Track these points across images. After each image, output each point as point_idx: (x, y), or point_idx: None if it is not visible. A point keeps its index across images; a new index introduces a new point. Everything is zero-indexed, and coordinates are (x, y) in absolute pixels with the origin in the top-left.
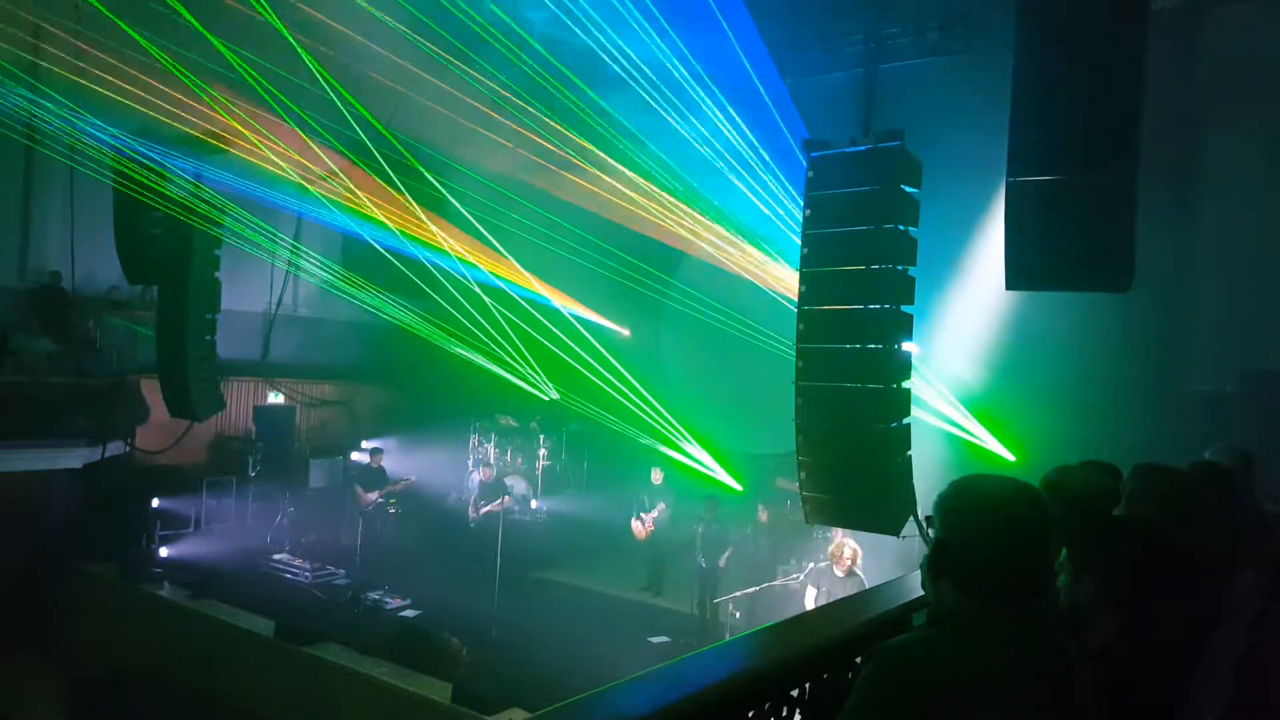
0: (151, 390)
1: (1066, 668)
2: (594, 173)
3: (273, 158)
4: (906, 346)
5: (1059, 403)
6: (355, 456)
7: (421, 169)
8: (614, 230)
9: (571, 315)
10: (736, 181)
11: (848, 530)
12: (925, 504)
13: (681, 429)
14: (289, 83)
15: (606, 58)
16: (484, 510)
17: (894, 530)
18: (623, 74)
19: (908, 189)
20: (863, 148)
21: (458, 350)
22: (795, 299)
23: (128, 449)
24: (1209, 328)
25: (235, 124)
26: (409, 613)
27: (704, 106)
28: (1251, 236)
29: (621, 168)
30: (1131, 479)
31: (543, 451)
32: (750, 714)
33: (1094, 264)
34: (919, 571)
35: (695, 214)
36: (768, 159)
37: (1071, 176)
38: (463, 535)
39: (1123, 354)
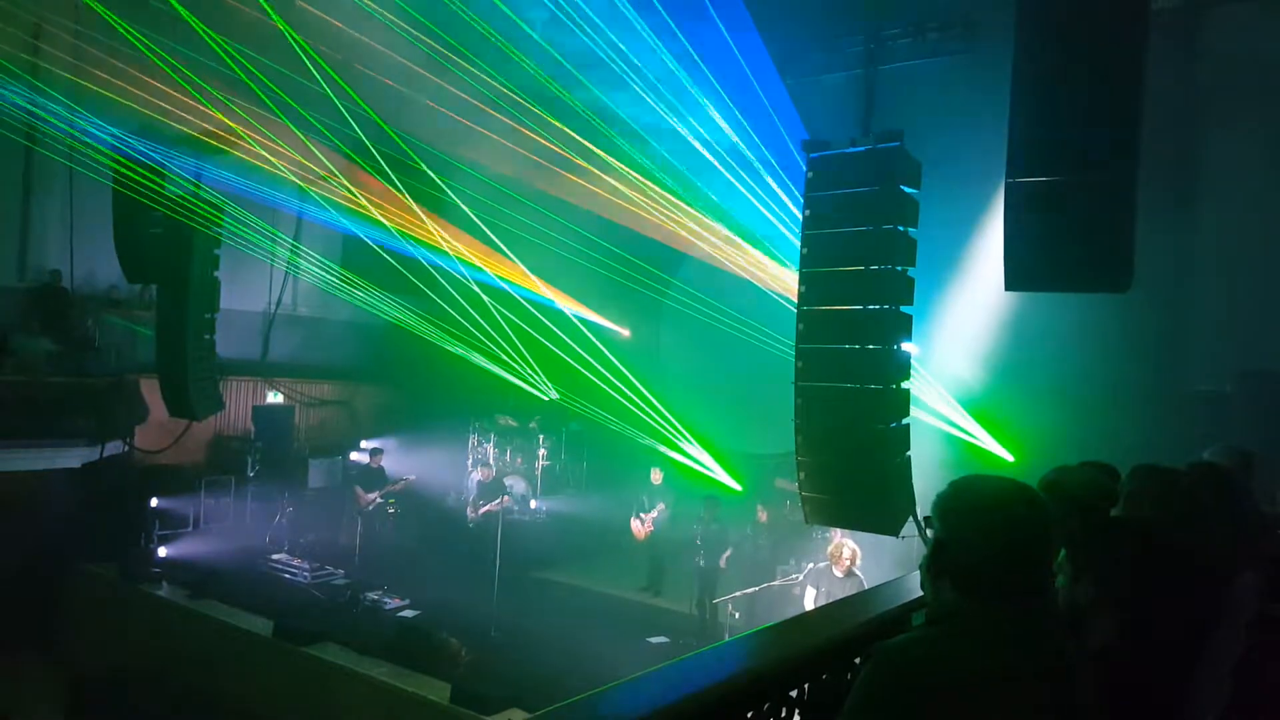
0: (150, 390)
1: (1066, 668)
2: (594, 173)
3: (271, 159)
4: (906, 347)
5: (1058, 403)
6: (354, 456)
7: (423, 168)
8: (614, 230)
9: (572, 315)
10: (736, 183)
11: (847, 530)
12: (924, 504)
13: (681, 429)
14: (289, 82)
15: (606, 58)
16: (483, 510)
17: (893, 530)
18: (623, 74)
19: (907, 189)
20: (862, 148)
21: (457, 350)
22: (795, 299)
23: (127, 448)
24: (1209, 328)
25: (234, 125)
26: (408, 613)
27: (704, 106)
28: (1251, 236)
29: (622, 167)
30: (1130, 480)
31: (542, 451)
32: (749, 714)
33: (1093, 264)
34: (918, 572)
35: (695, 214)
36: (768, 159)
37: (1071, 177)
38: (462, 535)
39: (1122, 354)
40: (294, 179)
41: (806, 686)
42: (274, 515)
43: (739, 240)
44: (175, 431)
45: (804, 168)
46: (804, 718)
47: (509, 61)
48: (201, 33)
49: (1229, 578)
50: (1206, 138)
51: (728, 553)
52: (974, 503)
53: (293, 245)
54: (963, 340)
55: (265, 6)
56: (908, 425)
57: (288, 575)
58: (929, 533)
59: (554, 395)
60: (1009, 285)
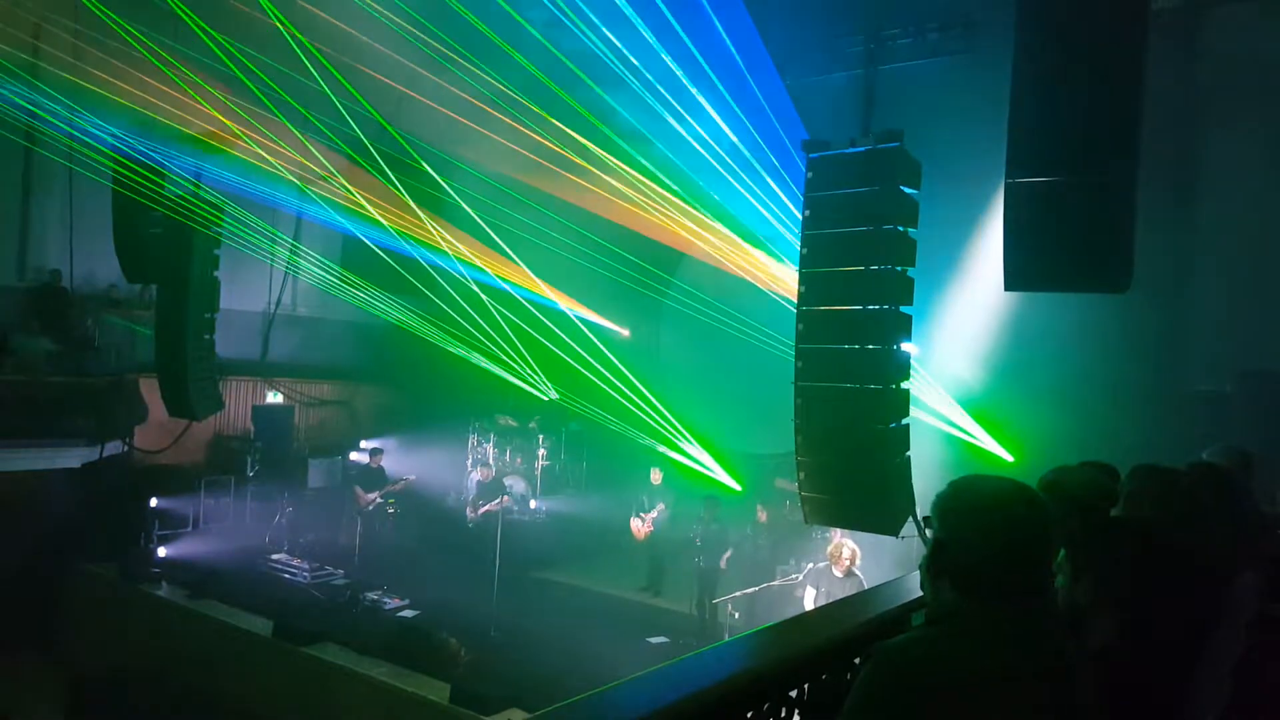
0: (150, 390)
1: (1066, 668)
2: (594, 173)
3: (270, 159)
4: (906, 347)
5: (1058, 403)
6: (354, 456)
7: (423, 166)
8: (614, 230)
9: (572, 315)
10: (735, 184)
11: (846, 531)
12: (924, 504)
13: (681, 429)
14: (289, 81)
15: (606, 58)
16: (483, 510)
17: (893, 531)
18: (623, 74)
19: (907, 190)
20: (862, 149)
21: (457, 350)
22: (795, 299)
23: (126, 448)
24: (1209, 328)
25: (234, 125)
26: (408, 613)
27: (704, 106)
28: (1251, 236)
29: (622, 167)
30: (1130, 480)
31: (542, 451)
32: (749, 714)
33: (1093, 264)
34: (918, 572)
35: (695, 214)
36: (768, 159)
37: (1071, 177)
38: (462, 535)
39: (1122, 354)
40: (293, 179)
41: (806, 686)
42: (274, 515)
43: (739, 240)
44: (175, 431)
45: (804, 168)
46: (804, 718)
47: (509, 61)
48: (201, 32)
49: (1229, 578)
50: (1206, 138)
51: (728, 553)
52: (974, 503)
53: (292, 245)
54: (963, 340)
55: (265, 5)
56: (907, 425)
57: (287, 575)
58: (928, 533)
59: (554, 395)
60: (1009, 285)
